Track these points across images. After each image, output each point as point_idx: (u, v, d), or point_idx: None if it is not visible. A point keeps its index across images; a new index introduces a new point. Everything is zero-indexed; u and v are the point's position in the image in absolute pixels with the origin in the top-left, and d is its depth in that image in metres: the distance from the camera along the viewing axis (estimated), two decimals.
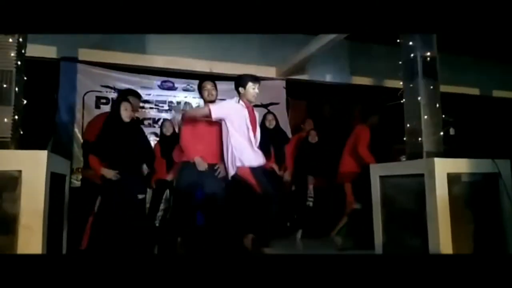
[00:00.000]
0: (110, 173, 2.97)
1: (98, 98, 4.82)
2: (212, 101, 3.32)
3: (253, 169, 3.09)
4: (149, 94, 5.06)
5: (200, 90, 3.39)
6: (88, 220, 2.97)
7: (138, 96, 3.79)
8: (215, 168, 3.22)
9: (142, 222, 3.30)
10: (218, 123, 3.22)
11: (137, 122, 3.44)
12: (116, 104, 3.24)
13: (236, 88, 3.21)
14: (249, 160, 3.09)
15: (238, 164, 3.07)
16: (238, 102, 3.18)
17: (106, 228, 2.87)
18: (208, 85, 3.34)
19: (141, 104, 4.97)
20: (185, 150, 3.24)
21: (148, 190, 3.83)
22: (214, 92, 3.34)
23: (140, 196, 3.22)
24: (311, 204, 4.55)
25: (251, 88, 3.16)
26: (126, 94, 3.57)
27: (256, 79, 3.22)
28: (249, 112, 3.18)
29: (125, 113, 3.14)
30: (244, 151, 3.10)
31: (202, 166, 3.13)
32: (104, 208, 2.86)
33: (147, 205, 3.87)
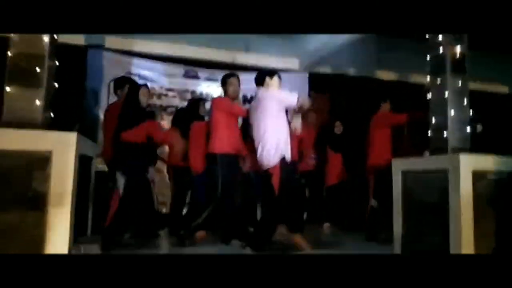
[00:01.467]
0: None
1: None
2: (235, 98, 3.39)
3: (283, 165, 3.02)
4: (173, 83, 5.12)
5: (225, 84, 3.40)
6: (112, 199, 3.05)
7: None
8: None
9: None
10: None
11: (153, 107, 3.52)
12: (135, 89, 3.31)
13: (263, 79, 3.19)
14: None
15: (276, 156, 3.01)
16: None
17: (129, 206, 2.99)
18: (236, 81, 3.37)
19: (165, 92, 5.07)
20: (222, 142, 3.24)
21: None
22: (238, 89, 3.39)
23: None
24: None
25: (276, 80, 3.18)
26: (124, 82, 3.69)
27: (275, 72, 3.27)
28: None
29: (144, 99, 3.27)
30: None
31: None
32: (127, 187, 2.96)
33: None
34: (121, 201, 2.91)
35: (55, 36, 2.54)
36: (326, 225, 4.49)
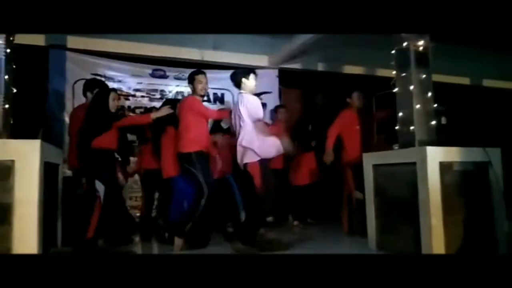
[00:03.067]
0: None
1: None
2: (203, 96, 3.38)
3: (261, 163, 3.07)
4: (141, 83, 5.00)
5: (193, 82, 3.36)
6: (94, 210, 2.94)
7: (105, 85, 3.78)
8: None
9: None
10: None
11: (122, 111, 3.44)
12: (104, 93, 3.23)
13: (239, 80, 3.20)
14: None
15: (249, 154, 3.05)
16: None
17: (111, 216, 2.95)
18: (203, 79, 3.35)
19: (132, 93, 4.94)
20: (195, 141, 3.22)
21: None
22: (207, 87, 3.39)
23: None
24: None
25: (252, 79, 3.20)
26: (95, 85, 3.56)
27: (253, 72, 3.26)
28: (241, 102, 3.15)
29: (113, 104, 3.21)
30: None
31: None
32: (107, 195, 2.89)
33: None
34: (104, 209, 2.84)
35: (11, 38, 2.41)
36: (295, 222, 4.53)
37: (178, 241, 3.07)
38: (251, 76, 3.19)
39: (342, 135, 3.93)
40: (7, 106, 2.23)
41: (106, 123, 3.06)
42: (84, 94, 3.67)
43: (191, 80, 3.39)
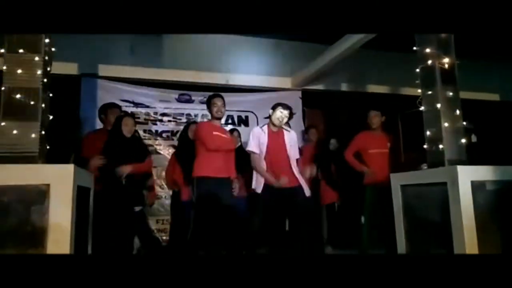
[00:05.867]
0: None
1: None
2: (219, 118, 3.43)
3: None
4: (168, 108, 5.14)
5: (209, 105, 3.43)
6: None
7: (119, 107, 3.95)
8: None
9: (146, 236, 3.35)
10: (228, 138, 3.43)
11: (138, 137, 3.55)
12: (117, 120, 3.34)
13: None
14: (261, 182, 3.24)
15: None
16: (262, 128, 3.37)
17: (104, 238, 2.96)
18: (219, 102, 3.39)
19: (160, 117, 5.08)
20: (201, 167, 3.28)
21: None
22: (223, 109, 3.41)
23: (137, 209, 3.24)
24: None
25: (279, 111, 3.30)
26: (108, 108, 3.75)
27: (286, 106, 3.35)
28: (269, 137, 3.29)
29: (126, 129, 3.25)
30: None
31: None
32: (98, 219, 2.86)
33: None
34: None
35: (49, 68, 2.55)
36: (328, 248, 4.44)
37: None
38: (278, 108, 3.30)
39: (363, 158, 3.89)
40: (43, 132, 2.34)
41: (121, 148, 3.17)
42: (100, 119, 3.85)
43: (207, 105, 3.47)
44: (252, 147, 3.31)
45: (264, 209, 3.21)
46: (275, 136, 3.32)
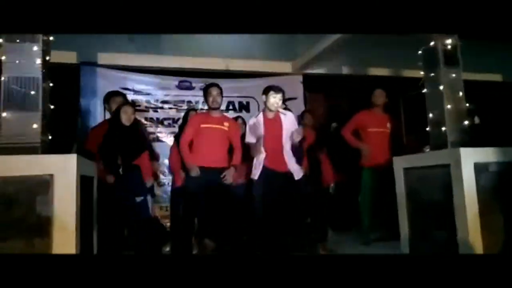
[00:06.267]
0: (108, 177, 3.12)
1: None
2: (216, 108, 3.39)
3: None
4: (168, 95, 5.10)
5: (205, 95, 3.41)
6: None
7: (123, 95, 3.88)
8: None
9: (146, 225, 3.36)
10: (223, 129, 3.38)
11: (137, 125, 3.47)
12: (117, 109, 3.32)
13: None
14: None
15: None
16: (256, 117, 3.32)
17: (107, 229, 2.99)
18: (214, 92, 3.36)
19: (160, 105, 5.06)
20: (192, 155, 3.32)
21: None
22: (219, 99, 3.37)
23: (138, 199, 3.22)
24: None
25: (272, 96, 3.21)
26: (113, 96, 3.69)
27: (277, 89, 3.27)
28: (265, 123, 3.24)
29: (125, 117, 3.22)
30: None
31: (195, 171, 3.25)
32: (101, 211, 2.89)
33: None
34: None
35: (48, 57, 2.53)
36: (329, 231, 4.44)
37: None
38: (270, 93, 3.22)
39: (361, 136, 3.87)
40: (45, 122, 2.34)
41: (120, 137, 3.16)
42: (105, 108, 3.82)
43: (204, 94, 3.45)
44: (249, 138, 3.31)
45: (257, 195, 3.20)
46: (272, 123, 3.28)
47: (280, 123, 3.28)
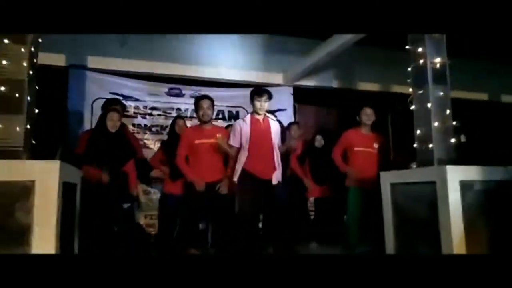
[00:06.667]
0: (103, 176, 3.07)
1: None
2: (207, 122, 3.37)
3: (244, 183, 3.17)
4: (157, 101, 5.08)
5: (196, 108, 3.40)
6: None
7: (122, 104, 3.89)
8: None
9: (132, 231, 3.32)
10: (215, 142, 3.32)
11: (123, 132, 3.44)
12: (102, 115, 3.28)
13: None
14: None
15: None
16: (244, 119, 3.34)
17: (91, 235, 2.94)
18: (205, 105, 3.35)
19: (149, 111, 5.02)
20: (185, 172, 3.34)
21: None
22: (209, 112, 3.36)
23: (126, 206, 3.21)
24: (312, 217, 4.54)
25: (256, 101, 3.26)
26: (111, 104, 3.63)
27: (260, 92, 3.29)
28: (253, 125, 3.26)
29: (111, 124, 3.20)
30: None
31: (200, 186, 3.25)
32: (87, 216, 2.84)
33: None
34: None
35: (35, 60, 2.48)
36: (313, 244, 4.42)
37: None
38: (254, 98, 3.28)
39: (348, 155, 3.89)
40: (29, 126, 2.28)
41: (105, 144, 3.13)
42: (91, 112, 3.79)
43: (195, 106, 3.45)
44: (231, 141, 3.31)
45: (240, 200, 3.19)
46: (259, 124, 3.29)
47: (268, 127, 3.29)
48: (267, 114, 3.38)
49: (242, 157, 3.21)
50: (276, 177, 3.26)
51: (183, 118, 4.12)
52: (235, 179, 3.21)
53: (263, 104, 3.26)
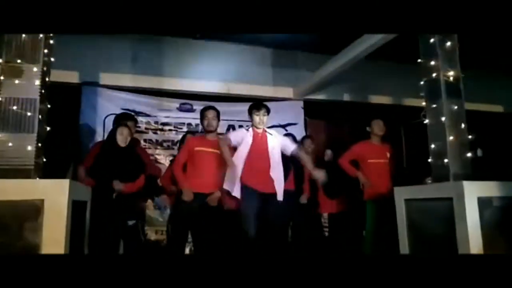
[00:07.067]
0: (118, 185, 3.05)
1: None
2: (211, 132, 3.36)
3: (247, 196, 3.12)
4: (168, 117, 5.10)
5: (202, 118, 3.41)
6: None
7: (134, 120, 3.88)
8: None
9: (137, 248, 3.29)
10: (217, 153, 3.28)
11: (133, 147, 3.42)
12: (112, 130, 3.30)
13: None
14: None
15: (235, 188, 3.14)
16: (248, 130, 3.32)
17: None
18: (210, 115, 3.36)
19: (160, 127, 5.04)
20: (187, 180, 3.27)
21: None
22: (214, 123, 3.36)
23: (130, 223, 3.16)
24: (326, 233, 4.46)
25: (255, 115, 3.28)
26: (123, 119, 3.62)
27: (258, 106, 3.31)
28: (254, 139, 3.24)
29: (121, 138, 3.19)
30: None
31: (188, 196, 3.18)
32: (93, 232, 2.79)
33: None
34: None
35: (47, 78, 2.51)
36: None
37: None
38: (253, 112, 3.30)
39: (361, 168, 3.83)
40: (40, 145, 2.29)
41: (114, 159, 3.12)
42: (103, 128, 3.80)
43: (200, 118, 3.46)
44: (231, 136, 3.29)
45: (243, 215, 3.12)
46: (259, 138, 3.28)
47: (265, 141, 3.27)
48: (266, 129, 3.36)
49: (238, 169, 3.15)
50: (280, 193, 3.21)
51: (193, 133, 4.12)
52: (227, 187, 3.15)
53: (262, 118, 3.27)
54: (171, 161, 4.24)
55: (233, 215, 3.32)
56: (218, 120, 3.42)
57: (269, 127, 3.54)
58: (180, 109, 5.17)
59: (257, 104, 3.34)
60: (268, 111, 3.32)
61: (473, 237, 2.39)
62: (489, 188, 2.53)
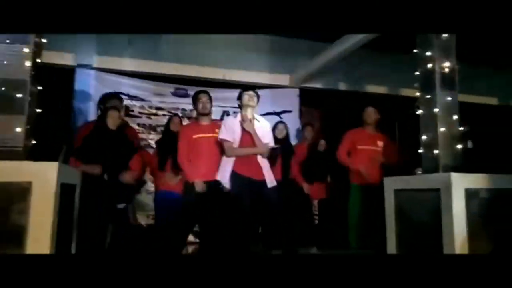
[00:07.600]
0: (93, 169, 3.00)
1: None
2: (206, 114, 3.36)
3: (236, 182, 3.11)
4: (163, 102, 5.07)
5: (195, 102, 3.40)
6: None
7: (120, 99, 3.84)
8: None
9: (125, 232, 3.29)
10: (215, 136, 3.28)
11: (123, 130, 3.40)
12: (103, 112, 3.28)
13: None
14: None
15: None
16: (235, 117, 3.32)
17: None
18: (204, 98, 3.36)
19: (154, 111, 5.01)
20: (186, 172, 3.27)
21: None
22: (208, 105, 3.36)
23: (120, 206, 3.16)
24: (316, 221, 4.49)
25: (245, 94, 3.28)
26: (110, 99, 3.60)
27: (247, 89, 3.34)
28: (242, 126, 3.22)
29: (111, 121, 3.19)
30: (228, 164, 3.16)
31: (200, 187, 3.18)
32: (82, 216, 2.77)
33: None
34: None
35: (38, 60, 2.48)
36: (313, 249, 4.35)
37: None
38: (243, 94, 3.31)
39: (351, 154, 3.85)
40: (29, 127, 2.28)
41: (104, 141, 3.11)
42: (99, 108, 3.72)
43: (193, 102, 3.45)
44: (224, 135, 3.21)
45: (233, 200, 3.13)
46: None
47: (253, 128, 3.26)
48: (255, 116, 3.34)
49: (231, 158, 3.16)
50: (270, 180, 3.21)
51: (179, 116, 4.09)
52: (220, 178, 3.16)
53: (251, 98, 3.26)
54: (156, 143, 4.19)
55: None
56: (211, 104, 3.42)
57: (264, 114, 3.55)
58: (175, 94, 5.14)
59: (246, 88, 3.40)
60: (257, 95, 3.32)
61: (458, 228, 2.42)
62: (477, 180, 2.55)
